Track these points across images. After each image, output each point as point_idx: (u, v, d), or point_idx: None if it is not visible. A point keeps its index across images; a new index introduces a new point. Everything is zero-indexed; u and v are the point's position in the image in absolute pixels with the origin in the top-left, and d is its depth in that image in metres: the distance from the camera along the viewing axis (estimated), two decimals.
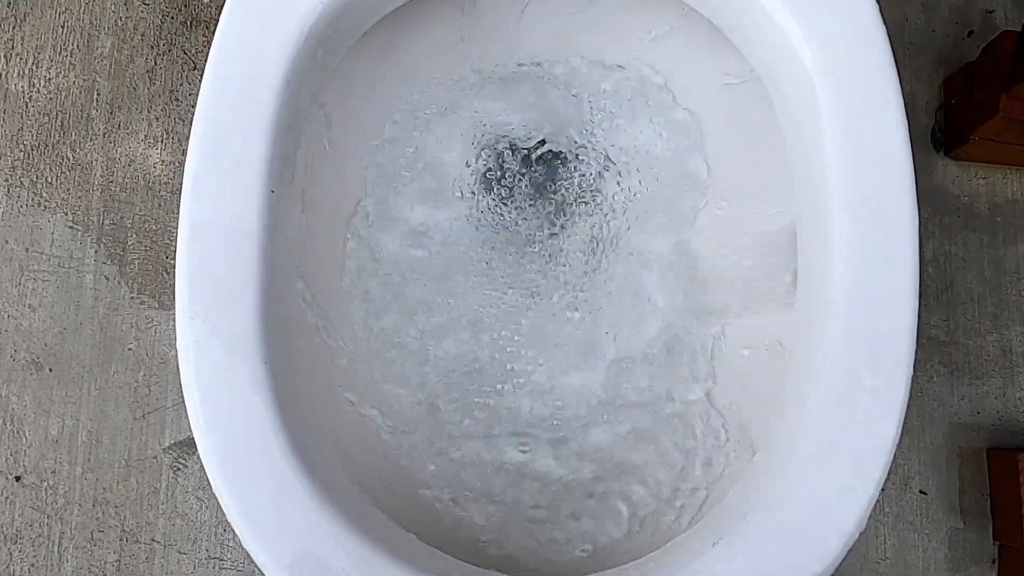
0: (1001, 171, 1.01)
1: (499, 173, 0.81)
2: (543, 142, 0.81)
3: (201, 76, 1.01)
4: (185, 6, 1.03)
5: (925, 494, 0.94)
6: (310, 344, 0.55)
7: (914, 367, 0.97)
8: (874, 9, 0.49)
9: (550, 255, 0.79)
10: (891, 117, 0.47)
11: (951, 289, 0.98)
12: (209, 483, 0.90)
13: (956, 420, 0.96)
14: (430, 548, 0.45)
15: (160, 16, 1.02)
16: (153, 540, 0.92)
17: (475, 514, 0.60)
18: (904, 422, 0.44)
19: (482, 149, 0.81)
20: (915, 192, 0.46)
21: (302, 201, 0.52)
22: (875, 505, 0.92)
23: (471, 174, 0.81)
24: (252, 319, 0.43)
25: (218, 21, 1.01)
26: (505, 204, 0.81)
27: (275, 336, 0.44)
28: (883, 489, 0.93)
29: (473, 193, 0.81)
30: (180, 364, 0.42)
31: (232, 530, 0.91)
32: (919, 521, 0.93)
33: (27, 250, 0.97)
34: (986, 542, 0.93)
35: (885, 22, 0.49)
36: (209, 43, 1.02)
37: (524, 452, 0.66)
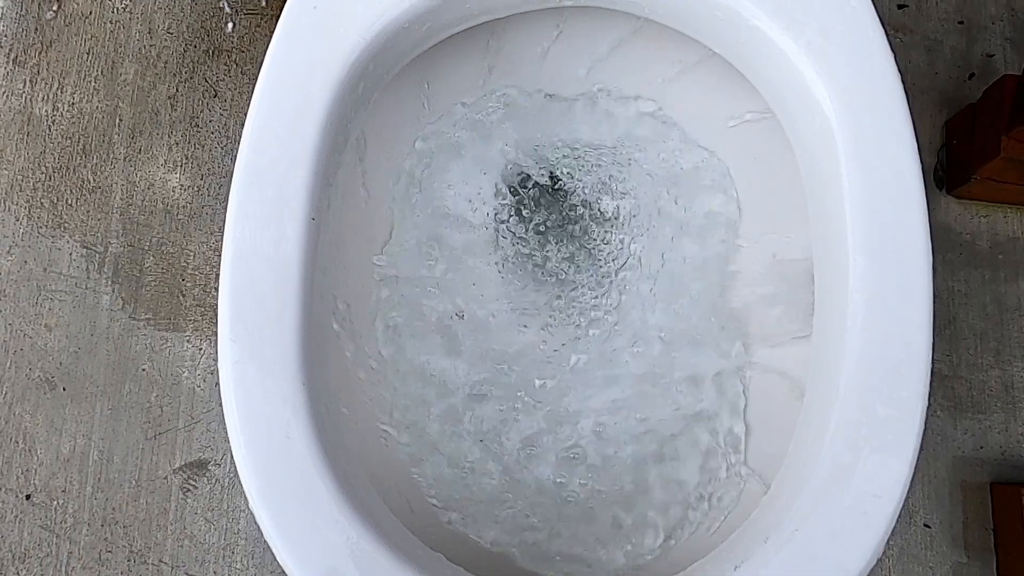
0: (1002, 210, 1.03)
1: (523, 204, 0.83)
2: (566, 175, 0.83)
3: (221, 104, 1.03)
4: (208, 36, 1.05)
5: (929, 528, 0.95)
6: (343, 366, 0.56)
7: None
8: (887, 51, 0.51)
9: (572, 286, 0.81)
10: (905, 155, 0.49)
11: (954, 324, 1.00)
12: (217, 505, 0.92)
13: (959, 454, 0.97)
14: (457, 568, 0.46)
15: (183, 45, 1.05)
16: (161, 561, 0.92)
17: (495, 536, 0.60)
18: (920, 450, 0.45)
19: (507, 179, 0.83)
20: (928, 228, 0.47)
21: (338, 228, 0.54)
22: None
23: (495, 203, 0.83)
24: (292, 342, 0.44)
25: (240, 51, 1.04)
26: (527, 236, 0.83)
27: (313, 359, 0.45)
28: None
29: (496, 222, 0.82)
30: (221, 385, 0.44)
31: (239, 552, 0.92)
32: (923, 555, 0.94)
33: (45, 270, 0.98)
34: None
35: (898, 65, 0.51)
36: (230, 72, 1.05)
37: (544, 474, 0.67)
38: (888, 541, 0.94)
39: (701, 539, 0.57)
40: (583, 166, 0.83)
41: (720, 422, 0.65)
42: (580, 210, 0.83)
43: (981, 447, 0.97)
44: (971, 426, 0.97)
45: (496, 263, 0.81)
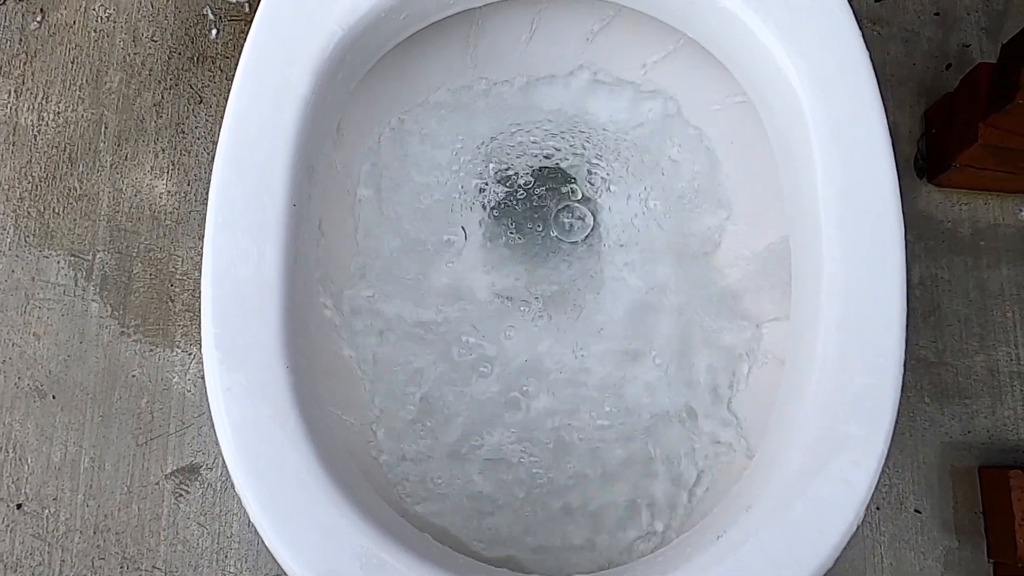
0: (982, 197, 1.04)
1: (509, 193, 0.83)
2: (552, 161, 0.84)
3: (207, 110, 1.04)
4: (192, 42, 1.06)
5: (920, 513, 0.95)
6: (329, 354, 0.57)
7: (905, 389, 1.00)
8: (856, 31, 0.52)
9: (553, 265, 0.82)
10: (875, 132, 0.50)
11: (938, 311, 1.01)
12: (210, 509, 0.92)
13: (947, 440, 0.97)
14: (443, 547, 0.46)
15: (168, 52, 1.06)
16: (154, 567, 0.92)
17: (477, 523, 0.61)
18: (897, 421, 0.46)
19: (486, 162, 0.84)
20: (900, 201, 0.48)
21: (319, 214, 0.54)
22: (871, 524, 0.94)
23: (480, 192, 0.83)
24: (275, 331, 0.45)
25: (224, 57, 1.05)
26: (515, 225, 0.83)
27: (298, 345, 0.46)
28: (878, 508, 0.95)
29: (477, 204, 0.83)
30: (206, 372, 0.44)
31: (233, 556, 0.92)
32: (915, 540, 0.95)
33: (33, 279, 0.98)
34: (981, 560, 0.95)
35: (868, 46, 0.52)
36: (215, 78, 1.06)
37: (526, 455, 0.68)
38: (880, 527, 0.95)
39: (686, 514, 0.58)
40: (561, 148, 0.83)
41: (720, 408, 0.66)
42: (560, 192, 0.83)
43: (968, 432, 0.98)
44: (958, 411, 0.98)
45: (481, 253, 0.81)
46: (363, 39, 0.52)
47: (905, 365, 0.48)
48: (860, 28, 0.54)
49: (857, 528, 0.44)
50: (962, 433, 0.98)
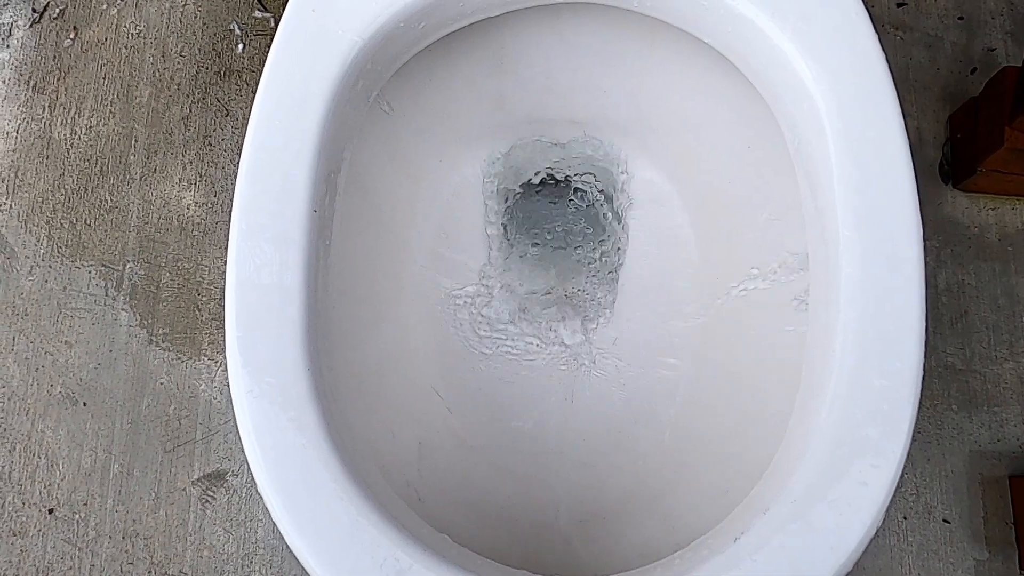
0: (1010, 202, 1.03)
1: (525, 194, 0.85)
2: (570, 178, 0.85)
3: (233, 123, 1.06)
4: (219, 57, 1.08)
5: (948, 523, 0.94)
6: (350, 357, 0.58)
7: (932, 396, 0.98)
8: (872, 33, 0.52)
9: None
10: (892, 132, 0.50)
11: (966, 318, 1.00)
12: (235, 515, 0.93)
13: (976, 448, 0.96)
14: (462, 548, 0.47)
15: (196, 67, 1.08)
16: (181, 572, 0.93)
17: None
18: (918, 426, 0.45)
19: (516, 175, 0.86)
20: (917, 201, 0.48)
21: (341, 225, 0.55)
22: (899, 534, 0.93)
23: (503, 203, 0.85)
24: (297, 330, 0.46)
25: (250, 71, 1.07)
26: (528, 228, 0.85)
27: (320, 349, 0.46)
28: (905, 517, 0.93)
29: (500, 214, 0.84)
30: (230, 375, 0.45)
31: (258, 562, 0.93)
32: (943, 550, 0.93)
33: (65, 289, 1.00)
34: (1012, 572, 0.93)
35: (884, 48, 0.52)
36: (241, 91, 1.08)
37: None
38: (908, 537, 0.93)
39: None
40: (585, 166, 0.85)
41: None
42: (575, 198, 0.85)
43: (998, 440, 0.96)
44: (987, 420, 0.97)
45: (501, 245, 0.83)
46: (382, 49, 0.53)
47: (926, 369, 0.48)
48: (880, 32, 0.54)
49: (877, 532, 0.44)
50: (991, 441, 0.96)
